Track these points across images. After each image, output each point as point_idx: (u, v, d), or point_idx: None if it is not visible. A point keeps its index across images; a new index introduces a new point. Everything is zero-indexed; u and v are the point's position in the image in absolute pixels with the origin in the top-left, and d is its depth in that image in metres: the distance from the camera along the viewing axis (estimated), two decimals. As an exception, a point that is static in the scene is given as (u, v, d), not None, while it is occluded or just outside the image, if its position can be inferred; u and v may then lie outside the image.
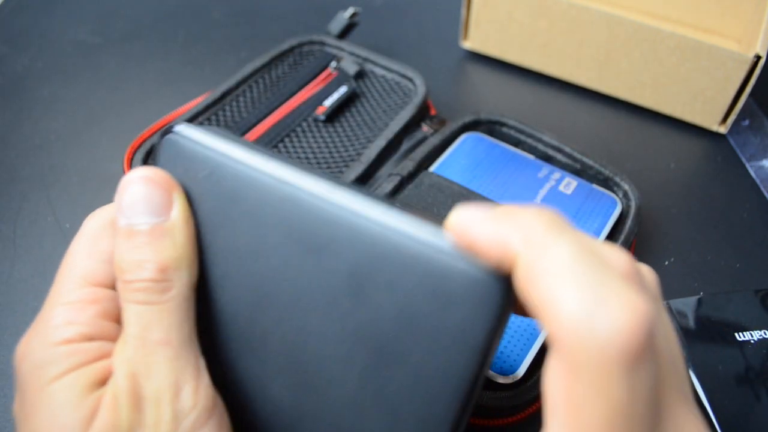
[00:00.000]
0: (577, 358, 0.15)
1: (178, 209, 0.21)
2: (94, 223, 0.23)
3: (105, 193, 0.43)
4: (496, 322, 0.18)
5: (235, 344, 0.21)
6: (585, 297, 0.15)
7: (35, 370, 0.21)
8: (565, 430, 0.15)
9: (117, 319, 0.21)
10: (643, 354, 0.15)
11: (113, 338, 0.21)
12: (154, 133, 0.42)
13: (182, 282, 0.20)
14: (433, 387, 0.19)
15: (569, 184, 0.41)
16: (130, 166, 0.39)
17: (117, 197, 0.21)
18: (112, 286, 0.22)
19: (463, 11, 0.51)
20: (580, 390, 0.15)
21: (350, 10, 0.50)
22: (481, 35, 0.52)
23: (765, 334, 0.34)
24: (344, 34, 0.50)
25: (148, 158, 0.41)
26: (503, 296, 0.18)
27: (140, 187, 0.21)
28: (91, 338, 0.21)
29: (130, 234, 0.21)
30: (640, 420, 0.15)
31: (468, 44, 0.53)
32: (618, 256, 0.17)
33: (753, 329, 0.34)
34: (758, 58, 0.42)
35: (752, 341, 0.34)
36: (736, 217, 0.43)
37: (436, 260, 0.18)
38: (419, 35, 0.56)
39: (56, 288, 0.22)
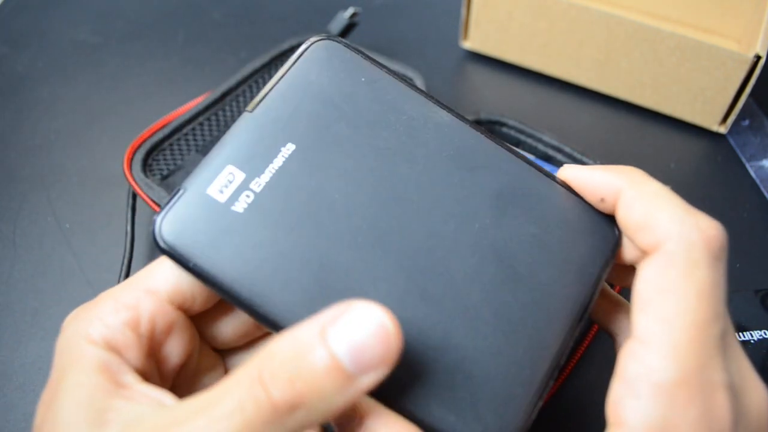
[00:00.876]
0: (672, 251, 0.19)
1: (370, 381, 0.17)
2: None
3: (105, 193, 0.43)
4: (611, 256, 0.22)
5: (367, 236, 0.21)
6: (680, 210, 0.20)
7: (63, 350, 0.21)
8: (658, 312, 0.19)
9: (145, 333, 0.21)
10: (721, 253, 0.19)
11: (126, 351, 0.20)
12: (154, 133, 0.42)
13: (288, 427, 0.17)
14: (550, 310, 0.21)
15: (569, 184, 0.41)
16: (130, 166, 0.39)
17: (339, 313, 0.17)
18: (174, 300, 0.22)
19: (463, 11, 0.51)
20: (672, 276, 0.19)
21: (350, 10, 0.50)
22: (481, 35, 0.52)
23: (765, 334, 0.34)
24: (344, 34, 0.50)
25: (149, 158, 0.41)
26: (618, 237, 0.23)
27: (366, 323, 0.17)
28: (108, 345, 0.20)
29: (311, 345, 0.17)
30: (718, 302, 0.19)
31: (468, 44, 0.53)
32: None
33: (753, 329, 0.34)
34: (758, 58, 0.42)
35: (752, 341, 0.34)
36: (736, 217, 0.43)
37: (574, 200, 0.23)
38: (419, 35, 0.56)
39: (125, 282, 0.22)
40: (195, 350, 0.24)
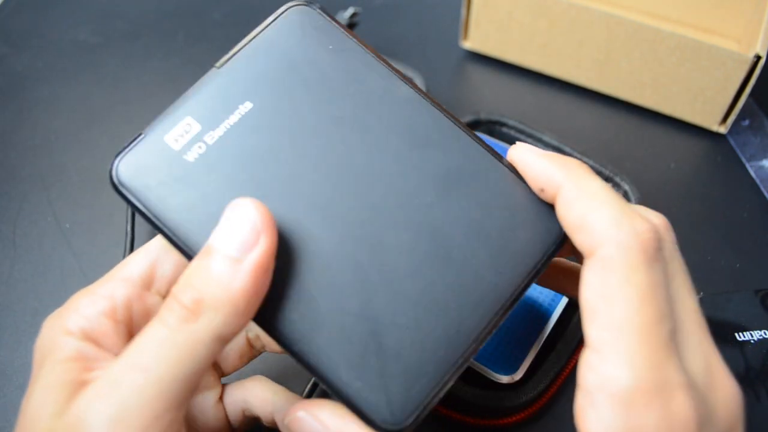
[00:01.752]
0: (609, 257, 0.19)
1: (255, 255, 0.20)
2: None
3: (105, 193, 0.43)
4: (552, 250, 0.22)
5: (307, 199, 0.21)
6: (615, 212, 0.19)
7: (40, 346, 0.22)
8: (605, 319, 0.19)
9: (122, 320, 0.22)
10: (656, 253, 0.19)
11: (104, 338, 0.21)
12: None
13: (207, 325, 0.19)
14: (476, 296, 0.21)
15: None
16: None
17: (224, 215, 0.20)
18: (147, 284, 0.23)
19: (463, 11, 0.51)
20: (613, 282, 0.19)
21: (350, 10, 0.50)
22: (481, 35, 0.52)
23: (765, 334, 0.34)
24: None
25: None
26: (561, 234, 0.22)
27: (232, 214, 0.20)
28: (86, 335, 0.21)
29: (206, 252, 0.20)
30: (661, 303, 0.19)
31: (468, 44, 0.53)
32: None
33: (753, 329, 0.34)
34: (758, 58, 0.42)
35: (752, 341, 0.34)
36: (736, 217, 0.43)
37: (523, 189, 0.23)
38: (419, 35, 0.56)
39: (104, 276, 0.23)
40: None
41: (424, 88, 0.45)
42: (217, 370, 0.28)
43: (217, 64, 0.23)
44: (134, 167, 0.21)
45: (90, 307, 0.22)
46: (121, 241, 0.40)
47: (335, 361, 0.20)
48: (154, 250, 0.23)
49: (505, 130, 0.44)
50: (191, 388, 0.19)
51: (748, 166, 0.46)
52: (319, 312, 0.20)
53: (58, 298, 0.38)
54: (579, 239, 0.20)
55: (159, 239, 0.23)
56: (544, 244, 0.22)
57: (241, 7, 0.58)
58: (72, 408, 0.19)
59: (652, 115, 0.50)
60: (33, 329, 0.37)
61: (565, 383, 0.34)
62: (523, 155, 0.22)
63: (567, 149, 0.42)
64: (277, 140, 0.22)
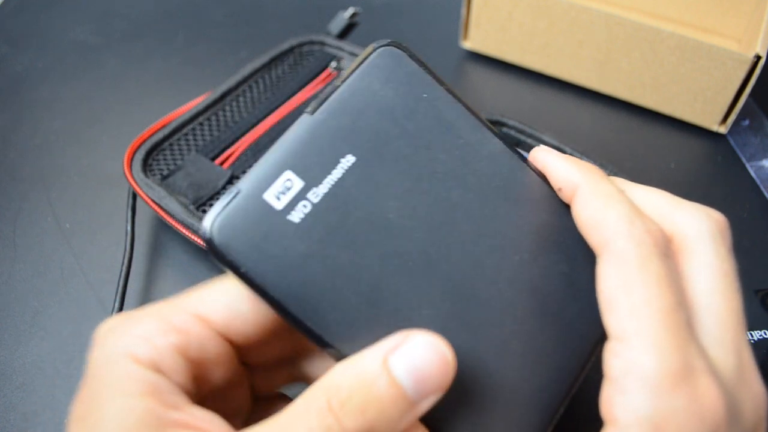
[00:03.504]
0: (623, 249, 0.20)
1: (428, 404, 0.19)
2: None
3: (105, 193, 0.43)
4: None
5: (417, 260, 0.21)
6: (628, 211, 0.20)
7: (103, 368, 0.19)
8: (626, 307, 0.19)
9: (193, 359, 0.20)
10: (668, 251, 0.20)
11: (173, 375, 0.20)
12: (154, 133, 0.42)
13: None
14: (571, 345, 0.22)
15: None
16: (130, 166, 0.39)
17: (414, 344, 0.19)
18: (225, 333, 0.21)
19: (463, 11, 0.51)
20: (629, 270, 0.19)
21: (350, 10, 0.50)
22: (481, 35, 0.52)
23: (765, 334, 0.34)
24: (344, 34, 0.50)
25: (149, 158, 0.41)
26: None
27: (426, 352, 0.18)
28: (155, 368, 0.19)
29: (381, 376, 0.18)
30: (678, 291, 0.19)
31: (468, 44, 0.53)
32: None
33: (753, 329, 0.34)
34: (758, 58, 0.42)
35: (752, 341, 0.34)
36: (736, 217, 0.43)
37: None
38: (419, 35, 0.56)
39: (171, 300, 0.21)
40: (234, 372, 0.23)
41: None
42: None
43: (309, 110, 0.21)
44: (234, 228, 0.19)
45: (162, 337, 0.20)
46: (121, 241, 0.40)
47: (454, 416, 0.20)
48: (242, 304, 0.21)
49: (505, 130, 0.44)
50: None
51: (748, 166, 0.46)
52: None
53: (58, 298, 0.38)
54: (594, 235, 0.21)
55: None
56: None
57: (241, 7, 0.58)
58: None
59: (652, 115, 0.50)
60: (33, 329, 0.37)
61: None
62: (545, 156, 0.24)
63: (567, 149, 0.42)
64: (383, 197, 0.21)
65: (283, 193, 0.20)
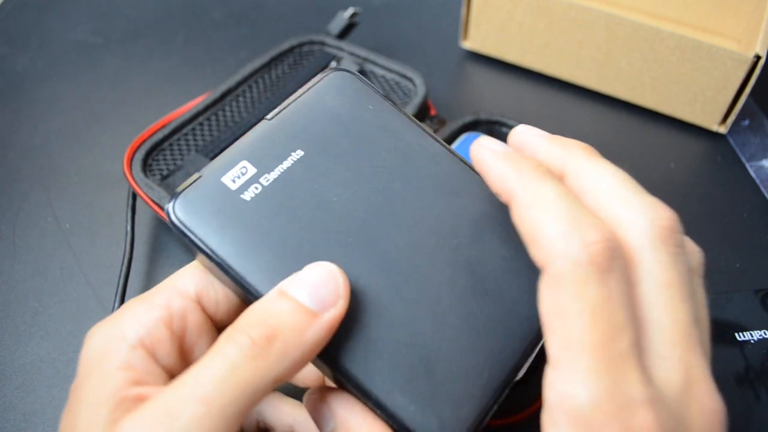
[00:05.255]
0: (558, 272, 0.18)
1: (332, 315, 0.20)
2: None
3: (105, 193, 0.43)
4: None
5: (355, 237, 0.23)
6: (563, 224, 0.19)
7: (89, 353, 0.21)
8: (560, 336, 0.18)
9: (177, 331, 0.22)
10: (609, 263, 0.18)
11: (159, 347, 0.21)
12: (154, 133, 0.42)
13: (273, 365, 0.19)
14: (512, 327, 0.23)
15: (569, 184, 0.41)
16: (130, 166, 0.39)
17: (307, 269, 0.21)
18: (201, 300, 0.23)
19: (463, 11, 0.51)
20: (565, 298, 0.18)
21: (350, 10, 0.50)
22: (481, 35, 0.52)
23: (765, 334, 0.34)
24: (344, 34, 0.50)
25: (149, 158, 0.41)
26: None
27: (315, 271, 0.21)
28: (142, 343, 0.21)
29: (282, 295, 0.20)
30: (617, 314, 0.18)
31: (468, 44, 0.53)
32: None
33: (753, 329, 0.34)
34: (758, 58, 0.42)
35: (752, 341, 0.34)
36: (736, 217, 0.43)
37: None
38: (419, 35, 0.56)
39: (156, 287, 0.23)
40: None
41: (424, 89, 0.45)
42: None
43: (269, 117, 0.25)
44: (193, 205, 0.22)
45: (147, 314, 0.21)
46: (121, 241, 0.40)
47: (390, 386, 0.21)
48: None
49: (504, 130, 0.44)
50: (242, 423, 0.19)
51: (748, 166, 0.47)
52: (374, 343, 0.22)
53: (58, 298, 0.38)
54: (533, 251, 0.20)
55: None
56: None
57: (241, 7, 0.58)
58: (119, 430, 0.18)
59: (652, 115, 0.50)
60: (33, 329, 0.37)
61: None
62: (481, 154, 0.22)
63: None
64: (327, 184, 0.24)
65: (239, 177, 0.23)
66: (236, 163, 0.23)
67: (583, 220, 0.19)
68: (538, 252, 0.19)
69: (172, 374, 0.21)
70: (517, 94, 0.51)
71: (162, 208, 0.38)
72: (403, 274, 0.23)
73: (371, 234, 0.23)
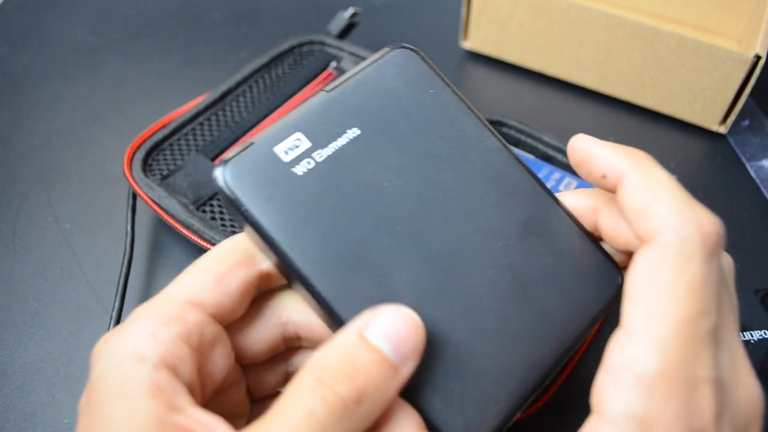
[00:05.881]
0: (666, 244, 0.19)
1: (410, 369, 0.20)
2: (228, 248, 0.22)
3: (105, 193, 0.43)
4: (610, 300, 0.24)
5: (404, 226, 0.23)
6: (679, 202, 0.20)
7: (106, 374, 0.19)
8: (647, 304, 0.19)
9: (195, 346, 0.20)
10: (717, 248, 0.19)
11: (181, 366, 0.20)
12: (154, 133, 0.42)
13: (358, 425, 0.19)
14: (547, 334, 0.23)
15: (569, 184, 0.41)
16: (130, 166, 0.39)
17: (386, 315, 0.20)
18: (216, 312, 0.21)
19: (463, 11, 0.51)
20: (664, 269, 0.19)
21: (350, 10, 0.50)
22: (481, 35, 0.52)
23: (765, 334, 0.34)
24: (344, 34, 0.50)
25: (149, 158, 0.41)
26: (620, 284, 0.24)
27: (398, 320, 0.20)
28: (164, 362, 0.19)
29: (362, 345, 0.19)
30: (709, 297, 0.19)
31: (468, 44, 0.53)
32: None
33: (753, 329, 0.34)
34: (758, 58, 0.42)
35: (752, 341, 0.34)
36: (736, 217, 0.43)
37: (590, 244, 0.25)
38: (419, 35, 0.56)
39: (158, 296, 0.21)
40: (232, 366, 0.23)
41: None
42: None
43: (327, 88, 0.24)
44: (243, 172, 0.22)
45: (163, 329, 0.20)
46: (121, 241, 0.40)
47: (422, 381, 0.21)
48: (220, 272, 0.22)
49: (505, 130, 0.44)
50: None
51: (748, 166, 0.47)
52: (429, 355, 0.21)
53: (58, 298, 0.38)
54: (639, 225, 0.20)
55: (235, 268, 0.22)
56: (604, 295, 0.24)
57: (241, 7, 0.58)
58: None
59: (652, 115, 0.50)
60: (33, 329, 0.37)
61: (565, 383, 0.34)
62: (586, 143, 0.23)
63: (567, 149, 0.42)
64: (380, 167, 0.23)
65: (292, 149, 0.22)
66: (290, 134, 0.23)
67: (696, 203, 0.20)
68: (646, 224, 0.20)
69: (191, 389, 0.20)
70: (517, 94, 0.51)
71: (162, 208, 0.38)
72: (446, 271, 0.22)
73: (419, 226, 0.23)
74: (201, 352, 0.21)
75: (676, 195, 0.20)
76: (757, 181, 0.45)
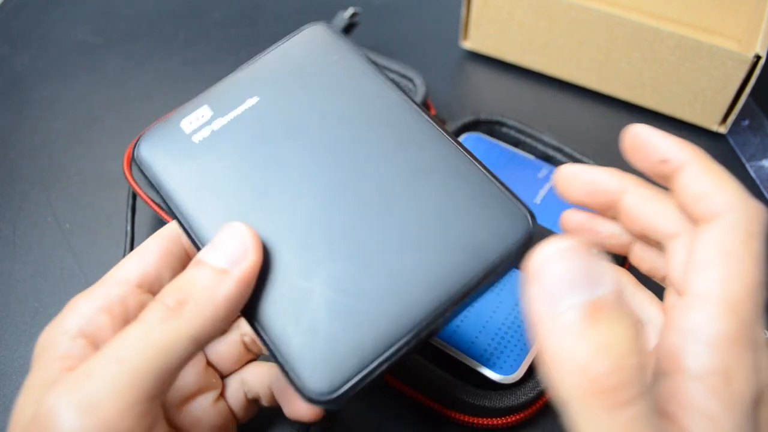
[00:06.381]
0: (733, 222, 0.21)
1: (242, 268, 0.22)
2: (160, 230, 0.26)
3: (105, 193, 0.43)
4: (515, 250, 0.22)
5: (295, 180, 0.24)
6: (739, 190, 0.21)
7: (37, 349, 0.23)
8: (719, 271, 0.20)
9: (118, 315, 0.23)
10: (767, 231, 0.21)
11: (100, 333, 0.22)
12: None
13: (185, 325, 0.21)
14: (431, 281, 0.22)
15: (569, 184, 0.41)
16: (130, 166, 0.39)
17: (217, 234, 0.23)
18: (142, 282, 0.24)
19: (463, 11, 0.51)
20: (734, 242, 0.21)
21: (350, 10, 0.50)
22: (481, 35, 0.52)
23: (765, 334, 0.34)
24: (344, 34, 0.50)
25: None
26: (531, 234, 0.23)
27: (224, 232, 0.23)
28: (82, 333, 0.22)
29: (195, 263, 0.22)
30: (764, 267, 0.21)
31: (468, 44, 0.53)
32: None
33: (753, 329, 0.34)
34: (758, 58, 0.42)
35: (752, 341, 0.34)
36: (736, 217, 0.43)
37: (494, 188, 0.23)
38: (419, 35, 0.56)
39: (100, 279, 0.24)
40: None
41: (424, 88, 0.45)
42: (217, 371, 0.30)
43: (242, 66, 0.27)
44: (152, 145, 0.25)
45: (86, 305, 0.23)
46: (121, 241, 0.40)
47: (281, 321, 0.22)
48: (148, 254, 0.25)
49: (504, 130, 0.44)
50: (165, 383, 0.20)
51: (748, 166, 0.46)
52: (280, 293, 0.22)
53: (58, 298, 0.38)
54: (704, 206, 0.22)
55: (153, 241, 0.25)
56: (505, 243, 0.22)
57: (241, 7, 0.58)
58: (44, 402, 0.20)
59: (652, 115, 0.50)
60: (33, 329, 0.37)
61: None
62: (647, 130, 0.24)
63: (567, 149, 0.42)
64: (273, 131, 0.25)
65: (197, 120, 0.26)
66: (199, 107, 0.26)
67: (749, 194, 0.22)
68: (711, 205, 0.21)
69: None
70: (517, 94, 0.51)
71: (162, 209, 0.38)
72: (327, 211, 0.23)
73: (306, 179, 0.24)
74: (127, 320, 0.23)
75: (737, 184, 0.22)
76: (757, 181, 0.45)
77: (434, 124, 0.25)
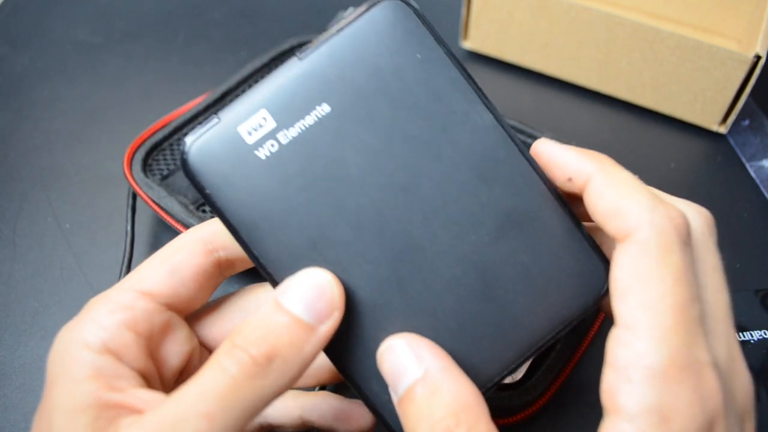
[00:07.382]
0: (645, 239, 0.19)
1: (328, 327, 0.21)
2: (186, 239, 0.23)
3: (105, 193, 0.43)
4: (591, 304, 0.23)
5: (369, 217, 0.22)
6: (649, 199, 0.20)
7: (55, 359, 0.21)
8: (639, 298, 0.19)
9: (143, 333, 0.22)
10: (688, 238, 0.20)
11: (126, 351, 0.21)
12: (154, 133, 0.42)
13: (274, 383, 0.20)
14: (508, 337, 0.22)
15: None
16: (130, 166, 0.39)
17: (300, 279, 0.21)
18: (170, 302, 0.23)
19: (463, 11, 0.51)
20: (648, 262, 0.19)
21: (350, 10, 0.50)
22: (481, 35, 0.52)
23: (765, 334, 0.34)
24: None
25: (149, 158, 0.41)
26: (605, 289, 0.22)
27: (310, 283, 0.21)
28: (107, 348, 0.21)
29: (277, 309, 0.21)
30: (693, 285, 0.20)
31: (468, 44, 0.53)
32: None
33: (753, 329, 0.34)
34: (758, 58, 0.42)
35: (752, 341, 0.34)
36: (736, 217, 0.43)
37: (580, 241, 0.23)
38: (419, 35, 0.56)
39: (112, 287, 0.23)
40: (194, 353, 0.24)
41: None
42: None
43: (300, 55, 0.22)
44: (206, 153, 0.21)
45: (109, 317, 0.21)
46: (121, 241, 0.40)
47: (370, 375, 0.21)
48: (183, 273, 0.23)
49: (505, 130, 0.44)
50: None
51: (748, 166, 0.47)
52: (363, 337, 0.22)
53: (58, 298, 0.38)
54: (614, 224, 0.20)
55: (188, 256, 0.23)
56: (583, 300, 0.23)
57: (241, 7, 0.58)
58: None
59: (652, 115, 0.50)
60: (33, 329, 0.37)
61: (566, 383, 0.34)
62: (549, 147, 0.23)
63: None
64: (350, 151, 0.22)
65: (256, 129, 0.21)
66: (255, 111, 0.21)
67: (663, 199, 0.21)
68: (621, 223, 0.20)
69: (143, 374, 0.21)
70: (517, 94, 0.51)
71: (162, 208, 0.38)
72: (411, 266, 0.22)
73: (385, 217, 0.22)
74: (151, 338, 0.22)
75: (644, 192, 0.20)
76: (757, 181, 0.45)
77: (526, 156, 0.23)
